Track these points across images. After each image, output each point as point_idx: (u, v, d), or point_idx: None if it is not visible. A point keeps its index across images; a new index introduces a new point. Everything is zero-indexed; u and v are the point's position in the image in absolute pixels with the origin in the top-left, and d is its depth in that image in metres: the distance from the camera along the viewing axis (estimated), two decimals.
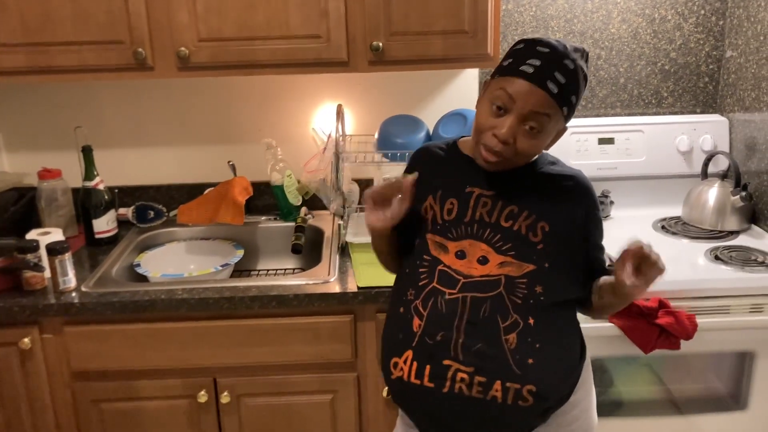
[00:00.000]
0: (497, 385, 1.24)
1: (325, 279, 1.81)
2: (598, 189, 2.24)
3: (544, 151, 1.38)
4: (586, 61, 1.29)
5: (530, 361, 1.25)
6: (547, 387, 1.26)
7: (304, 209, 2.24)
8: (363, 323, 1.80)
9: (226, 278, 1.98)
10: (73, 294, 1.77)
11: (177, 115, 2.30)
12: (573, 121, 2.28)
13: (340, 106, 1.98)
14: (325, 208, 2.26)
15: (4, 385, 1.80)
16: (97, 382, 1.82)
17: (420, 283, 1.32)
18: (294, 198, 2.25)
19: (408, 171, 1.41)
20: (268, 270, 2.25)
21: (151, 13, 1.85)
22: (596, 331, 1.75)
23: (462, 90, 2.30)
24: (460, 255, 1.31)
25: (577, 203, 1.34)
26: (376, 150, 2.05)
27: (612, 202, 2.27)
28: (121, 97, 2.27)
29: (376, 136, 2.07)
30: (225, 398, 1.82)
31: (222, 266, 1.98)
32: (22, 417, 1.82)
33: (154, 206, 2.26)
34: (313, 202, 2.31)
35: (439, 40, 1.89)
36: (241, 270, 2.23)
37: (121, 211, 2.23)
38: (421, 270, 1.33)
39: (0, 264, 1.77)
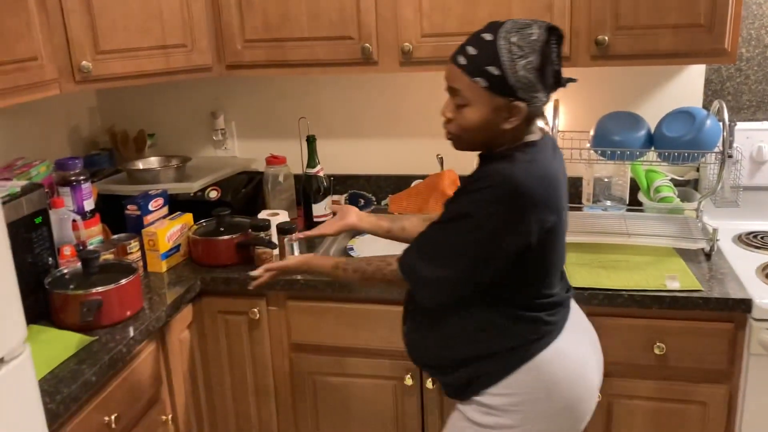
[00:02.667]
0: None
1: None
2: None
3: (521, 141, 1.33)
4: (547, 36, 1.24)
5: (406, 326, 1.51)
6: (411, 347, 1.50)
7: None
8: None
9: None
10: None
11: (391, 109, 2.39)
12: None
13: (557, 101, 1.95)
14: None
15: (235, 348, 1.98)
16: (312, 355, 1.96)
17: None
18: None
19: None
20: None
21: (379, 10, 1.94)
22: None
23: (686, 87, 2.17)
24: None
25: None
26: (591, 147, 1.99)
27: None
28: (340, 90, 2.40)
29: (592, 132, 2.01)
30: (429, 384, 1.87)
31: None
32: (246, 379, 2.01)
33: (365, 195, 2.37)
34: None
35: (669, 34, 1.80)
36: None
37: (335, 197, 2.36)
38: None
39: (237, 239, 1.96)
